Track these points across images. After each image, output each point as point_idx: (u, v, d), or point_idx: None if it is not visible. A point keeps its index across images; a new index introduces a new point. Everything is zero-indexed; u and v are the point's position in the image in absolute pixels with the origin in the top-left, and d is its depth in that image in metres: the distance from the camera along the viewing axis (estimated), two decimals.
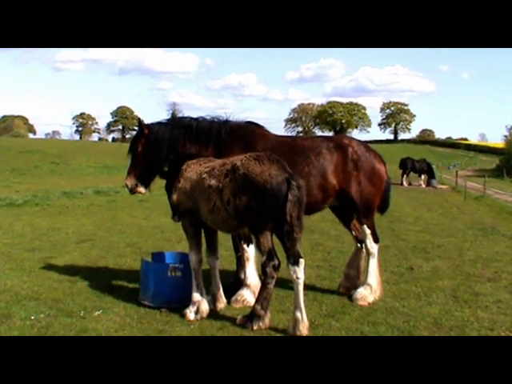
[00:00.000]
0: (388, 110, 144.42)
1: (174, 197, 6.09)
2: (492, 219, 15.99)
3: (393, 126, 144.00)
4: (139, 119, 6.83)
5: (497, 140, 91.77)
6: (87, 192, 20.50)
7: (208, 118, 6.86)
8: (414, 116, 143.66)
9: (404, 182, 32.46)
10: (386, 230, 12.30)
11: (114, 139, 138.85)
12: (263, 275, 5.57)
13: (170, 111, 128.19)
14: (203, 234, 6.21)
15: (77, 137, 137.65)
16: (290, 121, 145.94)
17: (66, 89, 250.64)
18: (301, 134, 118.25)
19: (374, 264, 6.79)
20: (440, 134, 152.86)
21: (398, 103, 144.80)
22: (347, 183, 6.59)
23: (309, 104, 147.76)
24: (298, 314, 5.44)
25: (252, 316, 5.60)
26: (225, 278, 6.70)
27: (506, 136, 70.58)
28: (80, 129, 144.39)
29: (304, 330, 5.41)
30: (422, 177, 33.69)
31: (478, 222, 15.19)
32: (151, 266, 6.60)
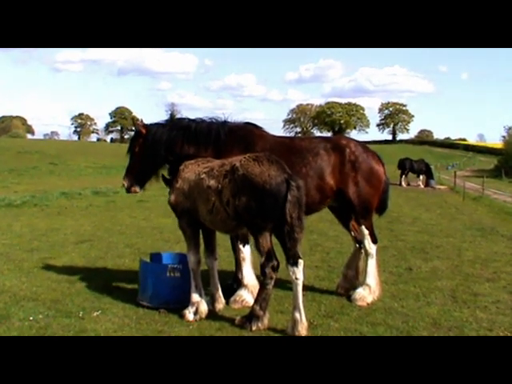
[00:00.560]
0: (386, 111, 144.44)
1: (172, 197, 6.09)
2: (491, 219, 16.00)
3: (391, 126, 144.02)
4: (133, 118, 6.84)
5: (495, 140, 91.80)
6: (86, 193, 20.47)
7: (206, 119, 6.86)
8: (413, 116, 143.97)
9: (402, 183, 32.47)
10: (385, 230, 12.30)
11: (112, 140, 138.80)
12: (262, 276, 5.57)
13: (169, 112, 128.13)
14: (201, 235, 6.21)
15: (75, 137, 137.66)
16: (289, 121, 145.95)
17: (65, 89, 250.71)
18: (299, 135, 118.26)
19: (372, 264, 6.80)
20: (438, 135, 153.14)
21: (397, 104, 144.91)
22: (345, 184, 6.59)
23: (307, 105, 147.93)
24: (297, 315, 5.44)
25: (251, 316, 5.59)
26: (223, 278, 6.69)
27: (504, 136, 70.61)
28: (78, 129, 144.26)
29: (303, 330, 5.41)
30: (421, 177, 33.69)
31: (476, 222, 15.20)
32: (150, 267, 6.60)
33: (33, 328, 5.47)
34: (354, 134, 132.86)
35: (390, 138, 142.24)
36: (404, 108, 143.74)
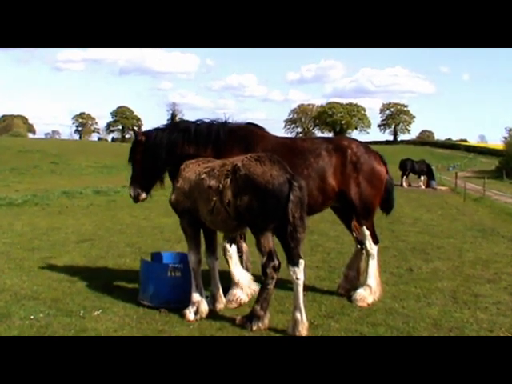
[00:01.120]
0: (388, 111, 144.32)
1: (173, 197, 6.08)
2: (491, 220, 15.99)
3: (392, 127, 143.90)
4: (134, 130, 6.81)
5: (496, 141, 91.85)
6: (87, 192, 20.49)
7: (206, 120, 6.85)
8: (414, 117, 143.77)
9: (404, 183, 32.45)
10: (386, 231, 12.30)
11: (113, 139, 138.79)
12: (263, 276, 5.56)
13: (170, 111, 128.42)
14: (203, 235, 6.21)
15: (76, 137, 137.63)
16: (290, 121, 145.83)
17: (66, 89, 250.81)
18: (300, 135, 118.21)
19: (373, 265, 6.79)
20: (440, 136, 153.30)
21: (398, 104, 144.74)
22: (346, 185, 6.58)
23: (308, 105, 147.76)
24: (298, 315, 5.44)
25: (251, 316, 5.59)
26: (224, 278, 6.69)
27: (505, 138, 70.60)
28: (80, 129, 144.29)
29: (303, 330, 5.41)
30: (422, 178, 33.68)
31: (477, 223, 15.19)
32: (151, 266, 6.60)
33: (33, 327, 5.48)
34: (355, 135, 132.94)
35: (391, 138, 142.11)
36: (405, 109, 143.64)
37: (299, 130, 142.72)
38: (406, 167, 32.92)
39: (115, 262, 8.72)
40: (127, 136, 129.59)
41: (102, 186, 22.84)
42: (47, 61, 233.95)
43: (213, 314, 6.05)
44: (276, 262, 5.50)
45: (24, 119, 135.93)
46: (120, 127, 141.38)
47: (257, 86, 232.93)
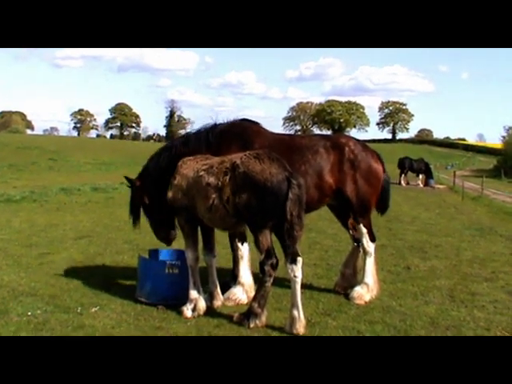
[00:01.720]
0: (386, 110, 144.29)
1: (170, 194, 6.08)
2: (489, 219, 16.02)
3: (391, 125, 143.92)
4: (128, 179, 6.76)
5: (495, 140, 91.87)
6: (85, 188, 20.47)
7: (193, 131, 6.94)
8: (413, 116, 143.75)
9: (402, 182, 32.49)
10: (383, 229, 12.31)
11: (112, 136, 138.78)
12: (261, 273, 5.57)
13: (169, 108, 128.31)
14: (200, 232, 6.21)
15: (75, 133, 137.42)
16: (289, 119, 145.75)
17: (65, 85, 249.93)
18: (299, 133, 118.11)
19: (370, 263, 6.81)
20: (438, 134, 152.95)
21: (397, 103, 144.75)
22: (343, 182, 6.59)
23: (307, 103, 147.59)
24: (295, 312, 5.45)
25: (249, 314, 5.60)
26: (222, 275, 6.70)
27: (503, 137, 70.64)
28: (78, 125, 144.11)
29: (301, 328, 5.42)
30: (420, 176, 33.71)
31: (475, 222, 15.21)
32: (148, 263, 6.60)
33: (31, 323, 5.48)
34: (354, 133, 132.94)
35: (389, 136, 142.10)
36: (404, 107, 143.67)
37: (298, 127, 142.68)
38: (405, 165, 32.96)
39: (113, 258, 8.73)
40: (126, 133, 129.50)
41: (100, 183, 22.82)
42: (46, 58, 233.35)
43: (210, 311, 6.06)
44: (274, 260, 5.50)
45: (22, 116, 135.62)
46: (118, 124, 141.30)
47: (256, 84, 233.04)
